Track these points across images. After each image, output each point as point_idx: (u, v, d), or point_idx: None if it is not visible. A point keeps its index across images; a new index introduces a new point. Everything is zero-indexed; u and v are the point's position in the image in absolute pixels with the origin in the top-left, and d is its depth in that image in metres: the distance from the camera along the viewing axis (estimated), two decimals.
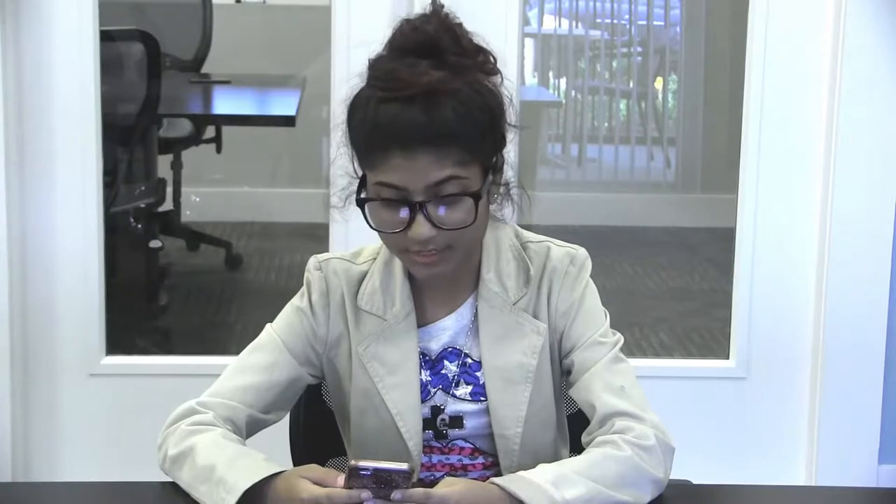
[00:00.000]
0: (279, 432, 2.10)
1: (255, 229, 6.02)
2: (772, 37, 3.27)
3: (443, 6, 1.85)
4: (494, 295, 1.93)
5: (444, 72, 1.78)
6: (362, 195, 1.84)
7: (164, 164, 5.20)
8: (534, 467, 1.78)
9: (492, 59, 1.85)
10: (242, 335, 4.56)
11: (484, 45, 1.85)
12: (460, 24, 1.84)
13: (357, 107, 1.83)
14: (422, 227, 1.79)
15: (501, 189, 1.90)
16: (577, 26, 6.59)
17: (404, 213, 1.79)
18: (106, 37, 3.45)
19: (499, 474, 1.86)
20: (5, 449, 3.27)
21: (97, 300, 3.33)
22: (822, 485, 3.26)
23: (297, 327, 1.95)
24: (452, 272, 1.89)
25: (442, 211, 1.79)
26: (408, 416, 1.91)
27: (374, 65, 1.83)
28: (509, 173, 1.92)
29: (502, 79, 1.87)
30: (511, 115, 1.88)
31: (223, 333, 4.78)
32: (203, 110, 5.56)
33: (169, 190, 5.29)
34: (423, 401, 1.94)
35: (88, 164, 3.27)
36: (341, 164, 1.88)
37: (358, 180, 1.86)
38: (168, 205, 5.26)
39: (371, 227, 1.84)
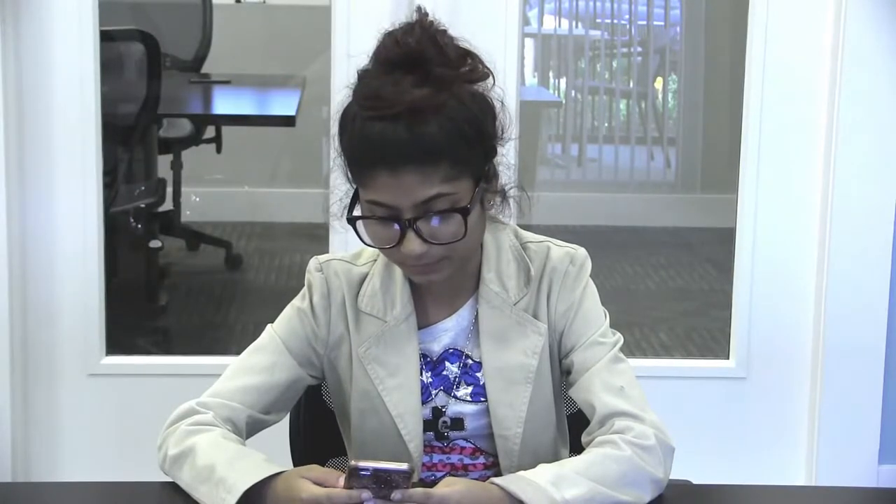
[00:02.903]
0: (279, 432, 2.10)
1: (255, 229, 6.02)
2: (772, 37, 3.27)
3: (426, 14, 1.83)
4: (495, 295, 1.93)
5: (427, 88, 1.76)
6: (356, 212, 1.83)
7: (164, 164, 5.20)
8: (534, 467, 1.78)
9: (480, 64, 1.83)
10: (242, 335, 4.57)
11: (470, 49, 1.83)
12: (444, 32, 1.82)
13: (345, 123, 1.82)
14: (413, 244, 1.79)
15: (498, 195, 1.89)
16: (577, 26, 6.59)
17: (395, 229, 1.79)
18: (106, 37, 3.45)
19: (499, 474, 1.86)
20: (5, 449, 3.27)
21: (97, 300, 3.33)
22: (822, 485, 3.26)
23: (297, 328, 1.95)
24: (452, 275, 1.89)
25: (432, 226, 1.79)
26: (408, 417, 1.91)
27: (360, 79, 1.82)
28: (507, 176, 1.91)
29: (494, 81, 1.85)
30: (505, 119, 1.87)
31: (223, 333, 4.78)
32: (203, 110, 5.56)
33: (169, 190, 5.29)
34: (425, 402, 1.94)
35: (88, 164, 3.27)
36: (338, 174, 1.87)
37: (352, 193, 1.85)
38: (168, 205, 5.26)
39: (364, 243, 1.84)
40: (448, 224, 1.80)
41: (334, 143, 1.85)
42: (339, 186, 1.88)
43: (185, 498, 1.82)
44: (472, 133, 1.80)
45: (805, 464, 3.42)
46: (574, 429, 2.02)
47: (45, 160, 3.25)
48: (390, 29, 1.83)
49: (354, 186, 1.84)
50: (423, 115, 1.75)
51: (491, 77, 1.84)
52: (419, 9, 1.84)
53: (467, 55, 1.83)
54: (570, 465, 1.79)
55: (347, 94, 1.83)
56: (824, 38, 3.27)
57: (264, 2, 6.59)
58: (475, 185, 1.82)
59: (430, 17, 1.82)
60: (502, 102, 1.86)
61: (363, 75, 1.82)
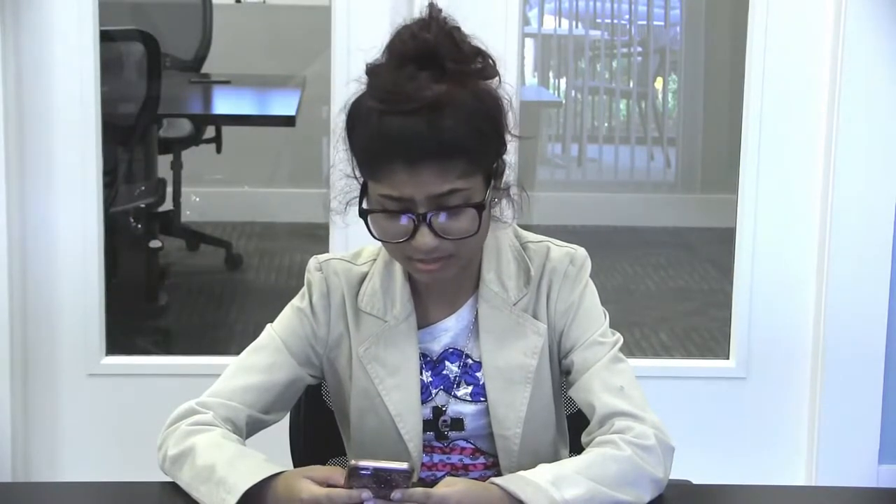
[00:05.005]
0: (279, 432, 2.10)
1: (255, 229, 6.02)
2: (772, 37, 3.27)
3: (440, 10, 1.84)
4: (495, 295, 1.93)
5: (445, 84, 1.77)
6: (364, 205, 1.84)
7: (164, 164, 5.20)
8: (534, 467, 1.78)
9: (490, 61, 1.84)
10: (242, 335, 4.56)
11: (482, 47, 1.84)
12: (458, 28, 1.83)
13: (358, 117, 1.82)
14: (425, 238, 1.79)
15: (502, 192, 1.90)
16: (577, 26, 6.59)
17: (407, 223, 1.79)
18: (106, 37, 3.45)
19: (499, 474, 1.86)
20: (5, 449, 3.27)
21: (97, 300, 3.33)
22: (822, 485, 3.26)
23: (297, 328, 1.95)
24: (455, 275, 1.89)
25: (445, 221, 1.79)
26: (408, 417, 1.91)
27: (374, 73, 1.82)
28: (510, 175, 1.91)
29: (500, 80, 1.86)
30: (511, 118, 1.87)
31: (223, 333, 4.78)
32: (203, 110, 5.56)
33: (169, 190, 5.28)
34: (425, 402, 1.94)
35: (88, 164, 3.27)
36: (341, 168, 1.87)
37: (360, 187, 1.85)
38: (168, 205, 5.26)
39: (374, 237, 1.84)
40: (461, 219, 1.80)
41: (342, 137, 1.85)
42: (340, 183, 1.88)
43: (185, 498, 1.82)
44: (488, 129, 1.81)
45: (805, 464, 3.42)
46: (574, 429, 2.02)
47: (45, 160, 3.25)
48: (405, 23, 1.83)
49: (362, 181, 1.84)
50: (442, 110, 1.75)
51: (498, 77, 1.85)
52: (431, 5, 1.84)
53: (479, 52, 1.83)
54: (570, 464, 1.79)
55: (358, 89, 1.82)
56: (824, 38, 3.27)
57: (264, 2, 6.59)
58: (487, 182, 1.83)
59: (444, 14, 1.83)
60: (510, 101, 1.87)
61: (377, 69, 1.82)
